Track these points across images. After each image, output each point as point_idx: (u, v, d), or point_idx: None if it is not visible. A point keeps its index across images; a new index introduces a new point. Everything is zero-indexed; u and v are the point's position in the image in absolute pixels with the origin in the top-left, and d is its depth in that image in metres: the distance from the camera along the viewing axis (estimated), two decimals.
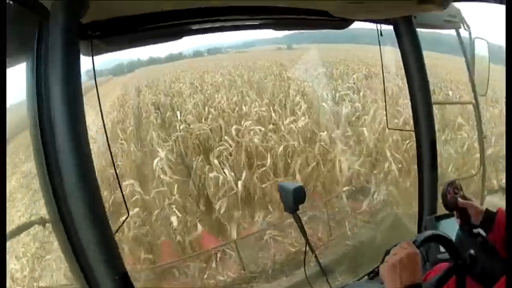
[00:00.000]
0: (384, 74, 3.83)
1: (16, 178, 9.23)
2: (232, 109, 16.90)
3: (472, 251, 1.78)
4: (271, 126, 14.52)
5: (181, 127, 15.49)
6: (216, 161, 12.53)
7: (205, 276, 8.44)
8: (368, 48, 20.94)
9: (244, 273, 8.39)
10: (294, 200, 2.20)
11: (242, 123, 14.87)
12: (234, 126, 14.67)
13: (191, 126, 15.62)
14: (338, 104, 16.29)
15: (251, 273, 8.38)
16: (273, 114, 15.42)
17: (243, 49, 28.75)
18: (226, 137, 14.18)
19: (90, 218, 1.63)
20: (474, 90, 3.76)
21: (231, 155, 13.10)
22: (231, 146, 13.58)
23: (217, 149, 13.38)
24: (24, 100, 1.67)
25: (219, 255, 8.70)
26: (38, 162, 1.67)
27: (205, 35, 2.42)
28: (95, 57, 1.96)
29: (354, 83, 18.87)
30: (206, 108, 17.31)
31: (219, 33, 2.43)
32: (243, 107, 16.66)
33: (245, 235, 9.46)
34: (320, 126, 14.21)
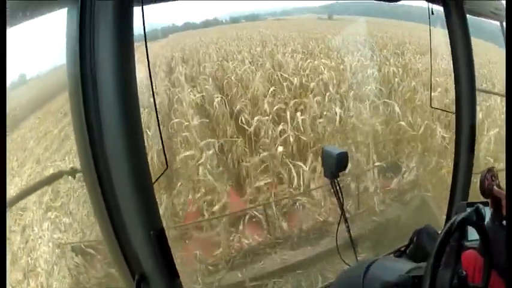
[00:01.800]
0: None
1: None
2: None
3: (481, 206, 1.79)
4: None
5: None
6: None
7: (231, 238, 8.39)
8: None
9: (270, 238, 8.36)
10: (337, 165, 2.18)
11: None
12: None
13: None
14: None
15: (276, 238, 8.36)
16: None
17: (281, 17, 26.71)
18: None
19: (130, 165, 1.53)
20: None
21: None
22: None
23: None
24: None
25: (247, 217, 8.64)
26: (74, 112, 1.55)
27: None
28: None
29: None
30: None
31: None
32: None
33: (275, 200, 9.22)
34: None
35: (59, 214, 7.48)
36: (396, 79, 13.43)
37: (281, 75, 13.71)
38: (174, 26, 22.95)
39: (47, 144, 10.05)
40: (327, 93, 11.93)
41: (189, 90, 13.23)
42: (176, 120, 11.23)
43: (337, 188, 2.40)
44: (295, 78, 13.22)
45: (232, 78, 13.74)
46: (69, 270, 6.96)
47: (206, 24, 25.09)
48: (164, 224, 1.71)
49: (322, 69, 13.70)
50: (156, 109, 2.13)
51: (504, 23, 3.50)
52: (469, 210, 1.66)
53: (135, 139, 1.53)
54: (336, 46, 17.05)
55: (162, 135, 7.79)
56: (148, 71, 1.86)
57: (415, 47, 17.00)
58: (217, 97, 12.15)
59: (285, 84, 12.91)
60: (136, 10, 1.57)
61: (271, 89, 12.52)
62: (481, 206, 1.67)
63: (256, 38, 20.62)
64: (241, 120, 11.22)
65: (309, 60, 14.97)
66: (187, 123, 11.04)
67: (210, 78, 14.24)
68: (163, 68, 15.76)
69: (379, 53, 15.78)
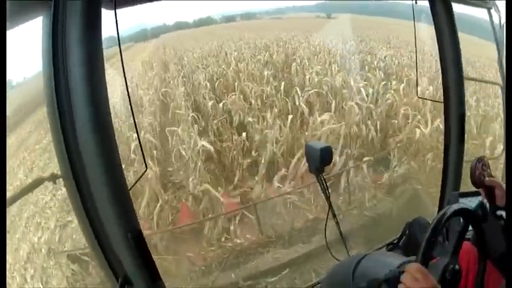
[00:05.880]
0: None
1: None
2: None
3: (484, 200, 1.73)
4: None
5: None
6: None
7: (222, 239, 8.41)
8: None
9: (262, 238, 8.35)
10: (321, 160, 2.17)
11: None
12: None
13: None
14: None
15: (268, 237, 8.34)
16: None
17: (276, 15, 26.44)
18: None
19: (104, 171, 1.56)
20: (502, 73, 3.77)
21: None
22: None
23: None
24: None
25: (238, 217, 8.60)
26: (51, 119, 1.58)
27: None
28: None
29: None
30: None
31: None
32: None
33: (266, 199, 9.28)
34: None
35: None
36: None
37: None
38: (165, 26, 22.75)
39: None
40: None
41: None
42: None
43: (323, 182, 2.37)
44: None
45: None
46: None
47: (199, 23, 24.82)
48: None
49: None
50: (132, 112, 2.11)
51: (492, 11, 3.47)
52: (461, 201, 1.61)
53: (107, 142, 1.56)
54: None
55: None
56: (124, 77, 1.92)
57: None
58: None
59: None
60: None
61: None
62: (485, 201, 1.61)
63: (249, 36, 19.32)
64: None
65: None
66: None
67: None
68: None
69: None
